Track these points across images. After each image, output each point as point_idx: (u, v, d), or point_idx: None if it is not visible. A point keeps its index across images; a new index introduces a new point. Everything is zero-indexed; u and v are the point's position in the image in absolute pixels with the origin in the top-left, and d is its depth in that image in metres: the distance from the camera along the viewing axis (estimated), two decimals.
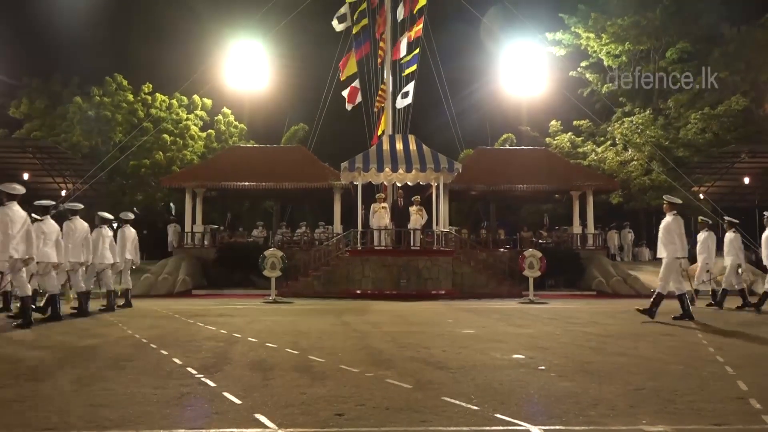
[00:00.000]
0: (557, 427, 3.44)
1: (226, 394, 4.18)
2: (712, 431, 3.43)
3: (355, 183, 18.46)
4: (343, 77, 23.04)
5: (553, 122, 29.64)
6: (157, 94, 29.53)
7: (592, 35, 28.50)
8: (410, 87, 22.87)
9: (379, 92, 22.65)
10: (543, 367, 5.31)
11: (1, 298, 10.87)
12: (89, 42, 32.64)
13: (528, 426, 3.43)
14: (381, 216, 18.03)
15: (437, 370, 5.16)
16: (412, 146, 17.89)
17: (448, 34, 29.23)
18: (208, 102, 30.38)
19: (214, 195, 23.73)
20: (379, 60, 22.75)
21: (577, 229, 22.63)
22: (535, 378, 4.85)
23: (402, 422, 3.54)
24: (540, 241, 21.04)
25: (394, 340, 7.26)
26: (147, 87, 29.52)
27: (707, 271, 13.06)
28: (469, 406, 3.87)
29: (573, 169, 24.03)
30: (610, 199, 26.44)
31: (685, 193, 21.61)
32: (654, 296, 9.81)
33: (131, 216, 13.10)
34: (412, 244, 17.67)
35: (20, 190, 8.73)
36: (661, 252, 9.89)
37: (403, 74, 22.97)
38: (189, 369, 5.15)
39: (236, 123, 31.76)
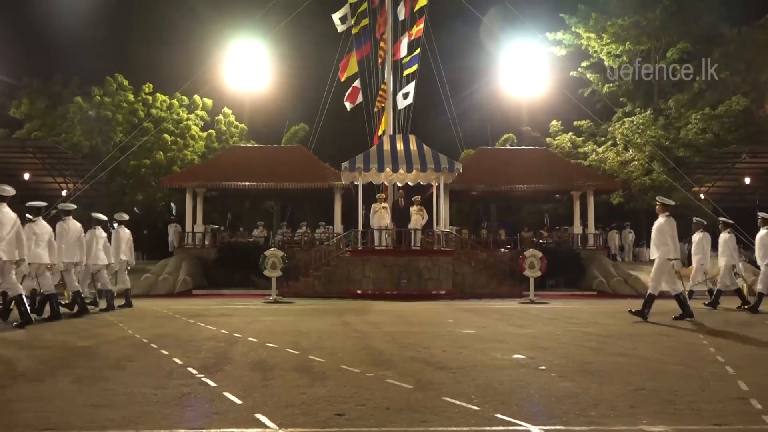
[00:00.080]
0: (557, 428, 3.44)
1: (226, 394, 4.18)
2: (712, 431, 3.43)
3: (355, 183, 18.46)
4: (343, 78, 23.01)
5: (554, 122, 29.64)
6: (158, 94, 29.54)
7: (592, 35, 28.49)
8: (411, 87, 22.89)
9: (380, 92, 22.63)
10: (543, 368, 5.31)
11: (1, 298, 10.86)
12: (89, 42, 32.67)
13: (528, 426, 3.43)
14: (381, 216, 18.03)
15: (438, 370, 5.16)
16: (413, 146, 17.89)
17: (448, 34, 29.26)
18: (209, 102, 30.38)
19: (214, 195, 23.72)
20: (379, 60, 22.73)
21: (577, 229, 22.61)
22: (535, 378, 4.85)
23: (402, 422, 3.53)
24: (540, 241, 21.03)
25: (394, 340, 7.25)
26: (147, 87, 29.51)
27: (703, 272, 13.08)
28: (469, 406, 3.86)
29: (574, 170, 24.01)
30: (611, 199, 26.44)
31: (686, 193, 21.62)
32: (645, 297, 9.81)
33: (126, 217, 13.10)
34: (412, 244, 17.66)
35: (10, 191, 8.68)
36: (654, 253, 9.89)
37: (404, 74, 22.99)
38: (189, 369, 5.15)
39: (237, 123, 31.75)
